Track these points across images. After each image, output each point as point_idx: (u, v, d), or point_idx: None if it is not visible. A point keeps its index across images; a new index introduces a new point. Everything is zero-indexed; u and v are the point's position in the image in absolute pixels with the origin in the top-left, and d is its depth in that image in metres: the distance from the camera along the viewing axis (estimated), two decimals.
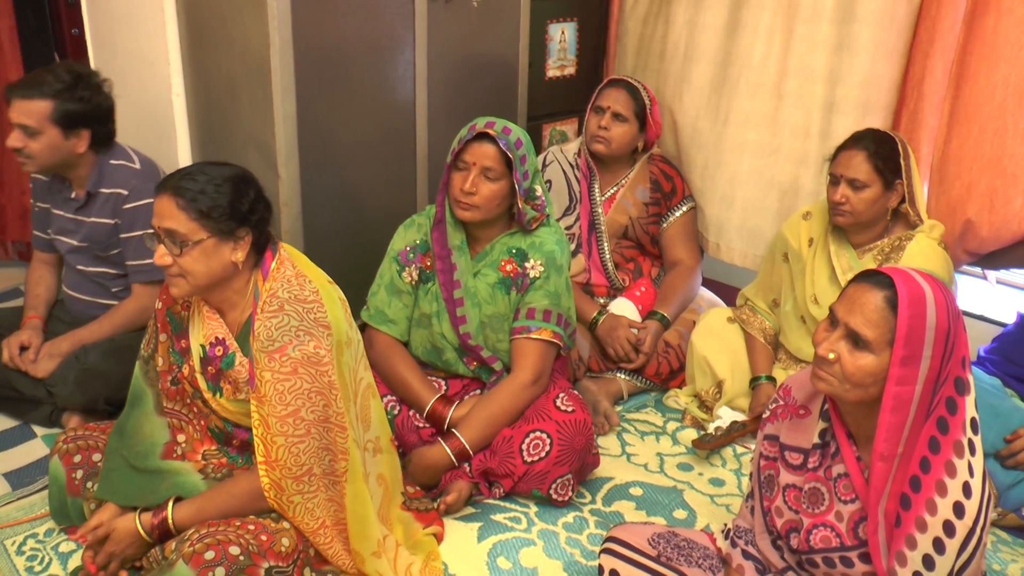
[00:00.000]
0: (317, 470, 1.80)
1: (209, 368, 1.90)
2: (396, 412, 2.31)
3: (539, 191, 2.29)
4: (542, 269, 2.27)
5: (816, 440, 1.64)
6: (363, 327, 2.39)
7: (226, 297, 1.87)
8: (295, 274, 1.85)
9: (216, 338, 1.88)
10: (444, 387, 2.37)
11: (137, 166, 2.52)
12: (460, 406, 2.28)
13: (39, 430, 2.54)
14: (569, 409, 2.20)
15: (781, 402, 1.73)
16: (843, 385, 1.51)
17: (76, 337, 2.51)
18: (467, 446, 2.20)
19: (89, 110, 2.41)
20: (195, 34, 2.64)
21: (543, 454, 2.15)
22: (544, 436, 2.17)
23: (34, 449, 2.46)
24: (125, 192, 2.47)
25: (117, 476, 1.93)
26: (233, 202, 1.78)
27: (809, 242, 2.59)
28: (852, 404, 1.54)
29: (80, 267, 2.59)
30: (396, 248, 2.37)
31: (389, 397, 2.32)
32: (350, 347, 1.88)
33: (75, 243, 2.56)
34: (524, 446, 2.17)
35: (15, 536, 2.12)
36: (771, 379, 2.63)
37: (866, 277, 1.51)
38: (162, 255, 1.77)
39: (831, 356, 1.50)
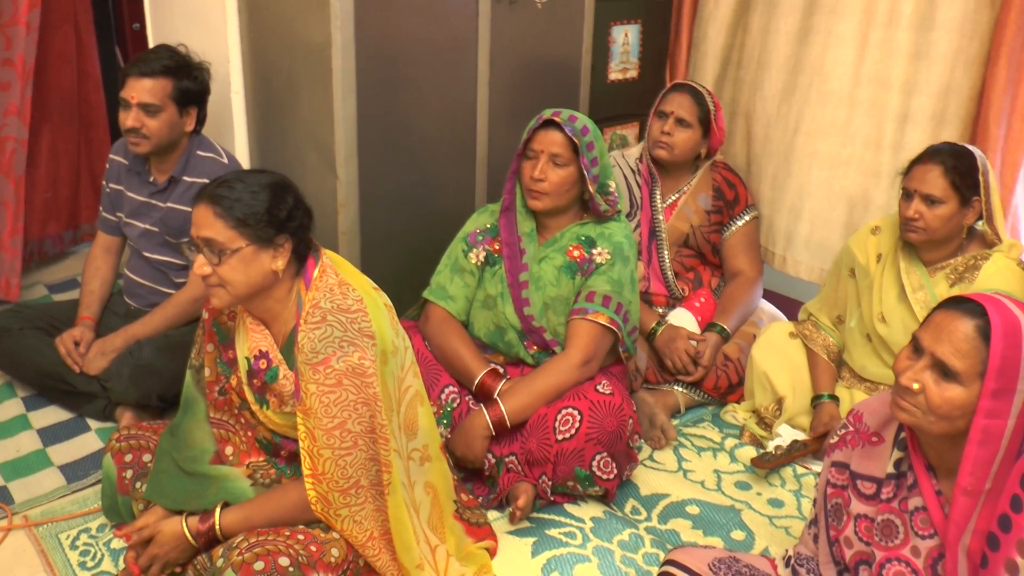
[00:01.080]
0: (364, 482, 1.77)
1: (255, 381, 1.87)
2: (456, 404, 2.29)
3: (612, 186, 2.31)
4: (608, 257, 2.28)
5: (891, 470, 1.56)
6: (424, 304, 2.43)
7: (268, 307, 1.84)
8: (338, 282, 1.80)
9: (260, 351, 1.85)
10: (503, 371, 2.35)
11: (225, 160, 2.56)
12: (509, 381, 2.26)
13: (93, 423, 2.55)
14: (607, 392, 2.17)
15: (851, 428, 1.66)
16: (927, 417, 1.43)
17: (129, 333, 2.52)
18: (506, 415, 2.17)
19: (200, 89, 2.50)
20: (256, 31, 2.63)
21: (572, 431, 2.12)
22: (575, 413, 2.14)
23: (88, 442, 2.47)
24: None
25: (166, 478, 1.92)
26: (271, 208, 1.74)
27: (877, 258, 2.49)
28: (935, 436, 1.46)
29: (146, 253, 2.62)
30: (467, 230, 2.42)
31: (450, 388, 2.30)
32: (396, 355, 1.84)
33: (146, 227, 2.59)
34: (556, 424, 2.14)
35: (69, 530, 2.13)
36: (833, 398, 2.54)
37: (954, 304, 1.43)
38: (201, 265, 1.74)
39: (915, 386, 1.43)
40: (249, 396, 1.90)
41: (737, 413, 2.72)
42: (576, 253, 2.30)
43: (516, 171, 2.29)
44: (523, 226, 2.31)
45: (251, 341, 1.87)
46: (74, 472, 2.34)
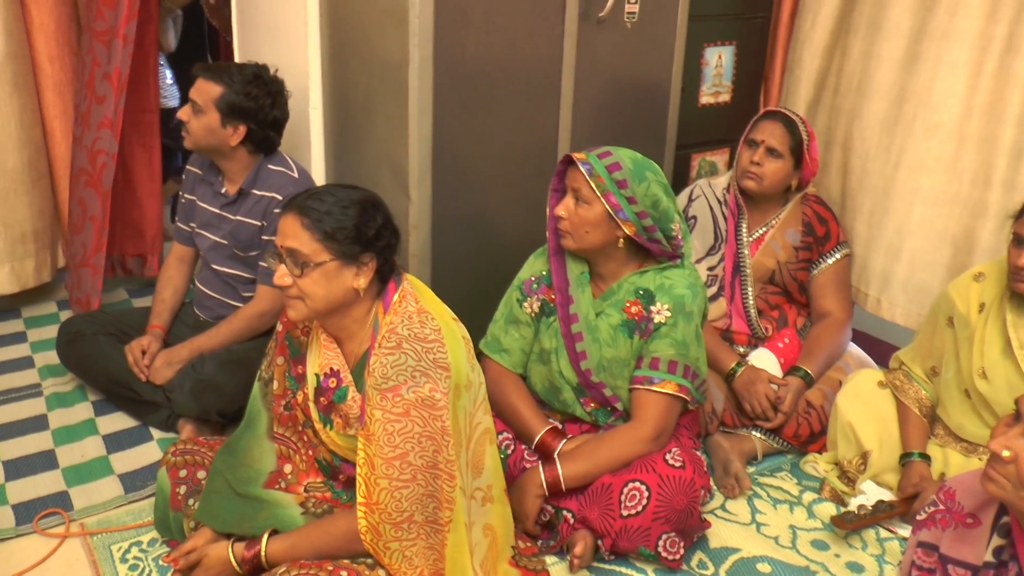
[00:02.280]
0: (419, 517, 1.70)
1: (322, 399, 1.84)
2: (511, 451, 2.20)
3: (676, 229, 2.12)
4: (668, 315, 2.10)
5: (989, 558, 1.41)
6: (479, 355, 2.30)
7: (344, 326, 1.81)
8: (417, 310, 1.75)
9: (331, 369, 1.82)
10: (562, 428, 2.24)
11: (295, 175, 2.55)
12: (571, 441, 2.15)
13: (156, 433, 2.56)
14: (677, 464, 2.03)
15: (942, 507, 1.50)
16: (1018, 492, 1.27)
17: (195, 345, 2.53)
18: (562, 478, 2.06)
19: (252, 108, 2.46)
20: (336, 48, 2.60)
21: (639, 508, 1.99)
22: (642, 488, 2.00)
23: (149, 452, 2.48)
24: (280, 197, 2.50)
25: (217, 499, 1.89)
26: (359, 225, 1.71)
27: (980, 307, 2.30)
28: None
29: (215, 265, 2.62)
30: (522, 277, 2.29)
31: (504, 435, 2.22)
32: (469, 390, 1.78)
33: (216, 239, 2.60)
34: (622, 498, 2.02)
35: (122, 542, 2.13)
36: (925, 457, 2.35)
37: None
38: (282, 275, 1.72)
39: (1005, 453, 1.27)
40: (314, 414, 1.87)
41: (818, 464, 2.55)
42: (634, 310, 2.13)
43: (553, 208, 2.16)
44: (572, 269, 2.17)
45: (323, 358, 1.84)
46: (132, 482, 2.34)
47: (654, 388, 2.09)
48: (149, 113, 3.33)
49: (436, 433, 1.68)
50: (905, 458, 2.37)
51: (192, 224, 2.68)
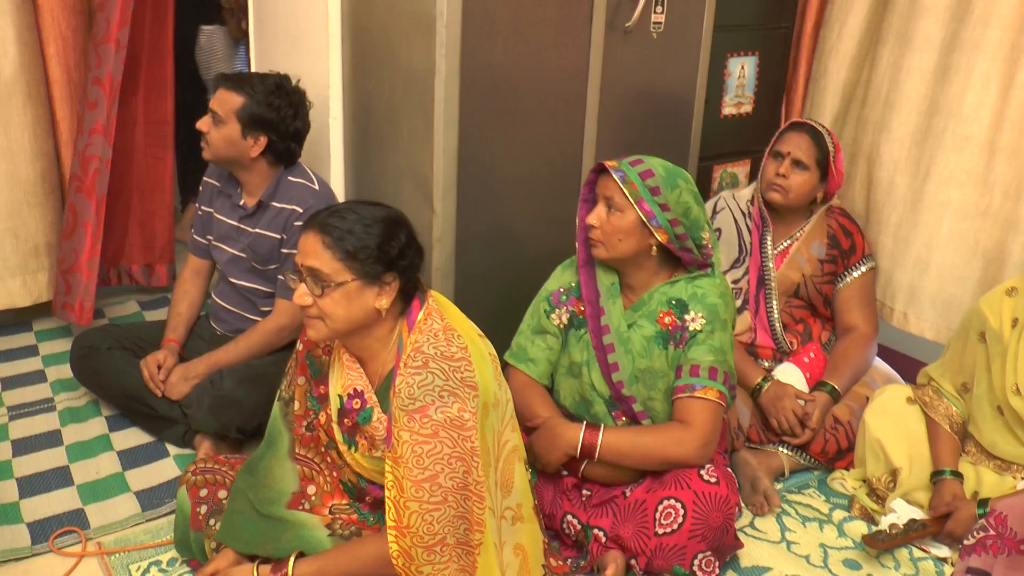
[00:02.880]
0: (451, 540, 1.65)
1: (346, 420, 1.79)
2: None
3: (706, 238, 2.10)
4: (704, 322, 2.07)
5: None
6: (504, 366, 2.26)
7: (366, 345, 1.76)
8: (443, 327, 1.70)
9: (355, 390, 1.77)
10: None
11: (316, 187, 2.50)
12: (611, 428, 2.10)
13: (172, 449, 2.52)
14: (712, 480, 1.98)
15: (993, 532, 1.47)
16: None
17: (212, 359, 2.48)
18: (599, 446, 2.03)
19: (274, 119, 2.41)
20: (358, 58, 2.56)
21: (675, 526, 1.94)
22: (678, 505, 1.96)
23: (166, 469, 2.43)
24: (300, 210, 2.44)
25: (240, 520, 1.85)
26: (382, 244, 1.66)
27: (1013, 323, 2.26)
28: None
29: (232, 279, 2.57)
30: (550, 288, 2.25)
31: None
32: (497, 408, 1.73)
33: (234, 252, 2.55)
34: (657, 516, 1.97)
35: (140, 561, 2.08)
36: (957, 475, 2.30)
37: None
38: (302, 295, 1.67)
39: None
40: (338, 435, 1.82)
41: (846, 481, 2.51)
42: (667, 320, 2.09)
43: (583, 218, 2.12)
44: (603, 280, 2.14)
45: (346, 379, 1.79)
46: (149, 499, 2.29)
47: (697, 395, 2.04)
48: (165, 125, 3.29)
49: (466, 454, 1.64)
50: (936, 476, 2.33)
51: (209, 236, 2.63)
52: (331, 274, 1.64)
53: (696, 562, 1.96)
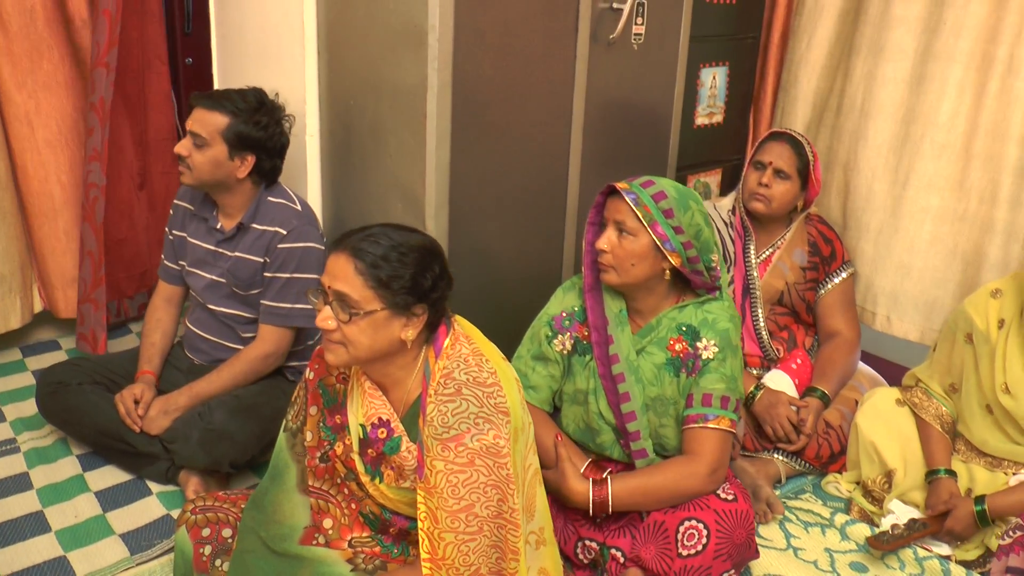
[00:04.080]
0: (484, 570, 1.59)
1: (369, 451, 1.70)
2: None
3: (715, 260, 2.04)
4: (716, 350, 2.02)
5: None
6: None
7: (389, 373, 1.68)
8: (471, 352, 1.64)
9: (379, 419, 1.68)
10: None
11: (298, 207, 2.40)
12: (615, 474, 2.05)
13: (154, 487, 2.38)
14: (730, 498, 1.97)
15: None
16: None
17: (194, 391, 2.35)
18: (610, 500, 1.97)
19: (262, 137, 2.31)
20: (336, 72, 2.48)
21: (700, 547, 1.91)
22: (700, 526, 1.93)
23: (150, 508, 2.30)
24: (284, 232, 2.34)
25: (252, 559, 1.74)
26: (416, 275, 1.59)
27: (999, 323, 2.31)
28: None
29: (211, 306, 2.45)
30: (551, 312, 2.16)
31: None
32: (524, 432, 1.68)
33: (213, 277, 2.43)
34: (680, 537, 1.93)
35: None
36: (951, 473, 2.35)
37: None
38: (326, 318, 1.59)
39: None
40: (359, 467, 1.72)
41: (840, 484, 2.53)
42: (679, 347, 2.04)
43: (592, 242, 2.05)
44: (611, 307, 2.06)
45: (369, 408, 1.70)
46: (137, 542, 2.17)
47: (709, 425, 2.01)
48: (171, 141, 3.17)
49: (501, 482, 1.57)
50: (931, 475, 2.36)
51: (182, 262, 2.51)
52: (360, 301, 1.56)
53: None
